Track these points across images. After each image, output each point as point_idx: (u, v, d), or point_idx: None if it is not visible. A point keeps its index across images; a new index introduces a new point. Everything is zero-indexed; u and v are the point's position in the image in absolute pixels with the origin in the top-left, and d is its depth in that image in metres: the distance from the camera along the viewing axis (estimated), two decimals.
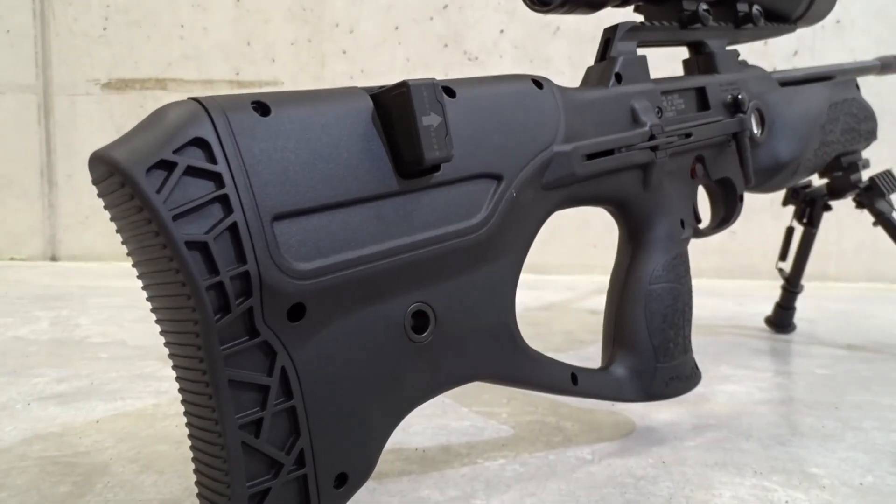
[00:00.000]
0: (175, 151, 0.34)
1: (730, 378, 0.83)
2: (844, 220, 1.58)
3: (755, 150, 0.73)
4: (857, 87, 0.94)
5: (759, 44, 1.56)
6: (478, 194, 0.46)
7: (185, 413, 0.38)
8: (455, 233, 0.44)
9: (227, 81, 1.68)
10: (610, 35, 0.61)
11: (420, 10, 1.64)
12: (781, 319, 1.06)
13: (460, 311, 0.45)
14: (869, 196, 0.90)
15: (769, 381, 0.82)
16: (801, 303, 1.27)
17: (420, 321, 0.44)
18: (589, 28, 1.55)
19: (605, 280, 1.47)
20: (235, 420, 0.35)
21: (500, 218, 0.47)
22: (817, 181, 0.99)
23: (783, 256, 1.03)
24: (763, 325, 1.09)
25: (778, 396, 0.77)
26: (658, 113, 0.62)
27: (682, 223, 0.64)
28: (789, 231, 1.01)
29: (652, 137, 0.59)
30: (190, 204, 0.34)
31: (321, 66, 1.67)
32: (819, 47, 1.57)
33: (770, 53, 1.56)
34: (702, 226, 0.72)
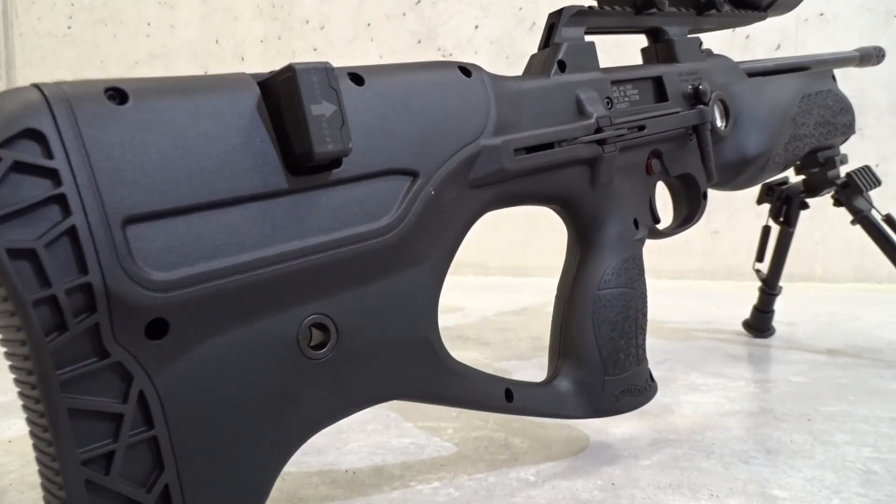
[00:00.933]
0: (1, 145, 0.29)
1: (699, 387, 0.79)
2: (831, 217, 1.52)
3: (719, 145, 0.69)
4: (834, 78, 0.89)
5: (740, 37, 1.52)
6: (388, 193, 0.41)
7: (33, 447, 0.33)
8: (359, 236, 0.39)
9: None
10: (554, 20, 0.57)
11: (393, 5, 1.59)
12: (759, 323, 1.02)
13: (368, 324, 0.40)
14: (846, 193, 0.85)
15: (740, 391, 0.77)
16: (783, 305, 1.22)
17: (319, 335, 0.39)
18: None
19: None
20: (77, 455, 0.31)
21: (415, 219, 0.42)
22: (794, 178, 0.94)
23: (760, 257, 0.98)
24: (741, 329, 1.04)
25: (748, 407, 0.72)
26: (608, 104, 0.57)
27: (636, 223, 0.59)
28: (765, 231, 0.96)
29: (599, 130, 0.54)
30: (17, 205, 0.29)
31: None
32: (802, 40, 1.52)
33: (751, 48, 1.51)
34: (661, 225, 0.67)
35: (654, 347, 0.94)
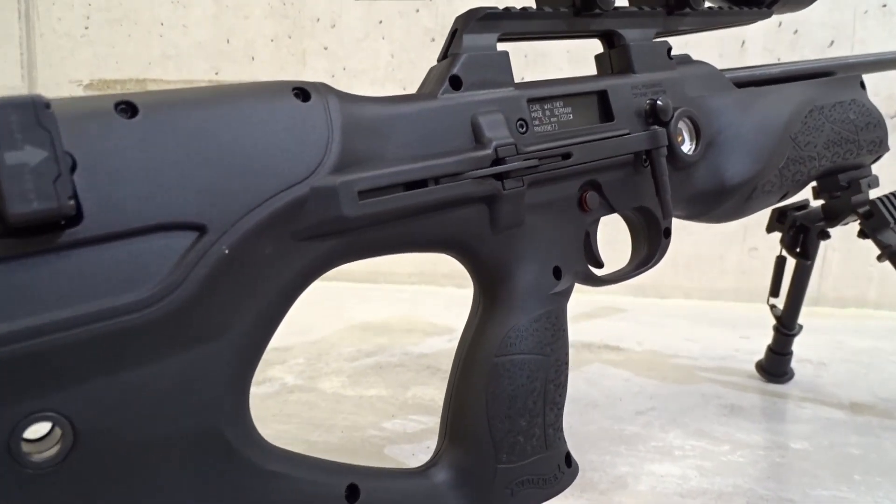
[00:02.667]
0: None
1: (672, 452, 0.67)
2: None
3: (688, 171, 0.57)
4: (863, 85, 0.75)
5: (787, 33, 1.35)
6: (156, 254, 0.33)
7: None
8: (105, 312, 0.31)
9: (207, 81, 1.60)
10: (458, 25, 0.47)
11: (406, 2, 1.50)
12: (774, 367, 0.88)
13: (121, 423, 0.32)
14: (870, 225, 0.71)
15: (720, 460, 0.65)
16: (819, 338, 1.08)
17: (49, 440, 0.31)
18: None
19: (605, 300, 1.28)
20: None
21: (197, 285, 0.33)
22: (815, 201, 0.80)
23: (774, 292, 0.85)
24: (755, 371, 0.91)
25: (720, 485, 0.60)
26: (521, 128, 0.47)
27: (557, 272, 0.49)
28: (779, 262, 0.83)
29: (498, 162, 0.44)
30: None
31: (302, 63, 1.56)
32: (861, 37, 1.34)
33: (799, 45, 1.34)
34: (609, 269, 0.56)
35: (643, 391, 0.83)
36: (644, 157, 0.53)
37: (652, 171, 0.53)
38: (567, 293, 0.49)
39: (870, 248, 1.36)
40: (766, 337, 1.10)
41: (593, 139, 0.49)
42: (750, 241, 1.45)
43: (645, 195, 0.54)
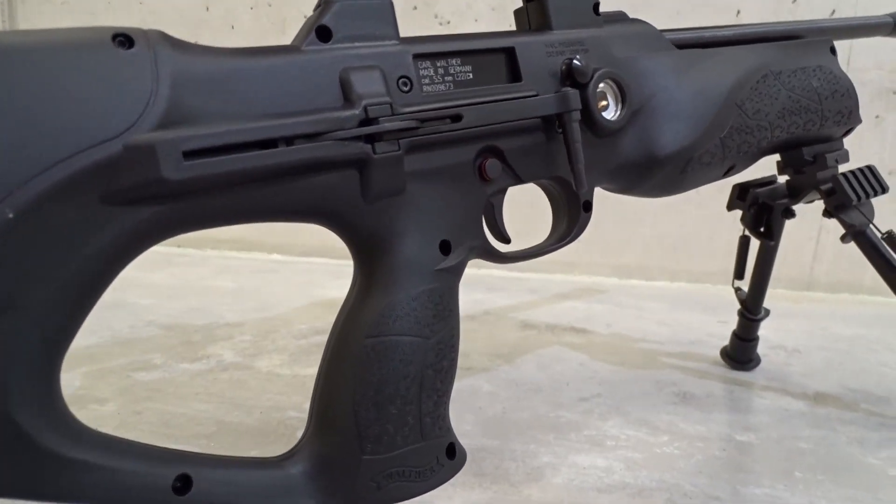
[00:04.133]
0: None
1: (604, 443, 0.63)
2: (888, 218, 1.28)
3: (615, 139, 0.52)
4: (833, 51, 0.68)
5: (786, 3, 1.27)
6: None
7: None
8: None
9: None
10: None
11: None
12: (739, 353, 0.83)
13: None
14: (832, 202, 0.66)
15: (653, 452, 0.61)
16: (799, 325, 1.02)
17: None
18: None
19: (586, 281, 1.23)
20: None
21: None
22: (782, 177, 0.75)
23: (739, 274, 0.79)
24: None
25: (644, 480, 0.56)
26: (404, 86, 0.42)
27: (445, 246, 0.45)
28: (743, 242, 0.77)
29: (368, 122, 0.40)
30: None
31: (282, 32, 1.52)
32: (864, 5, 1.26)
33: (799, 14, 1.26)
34: (520, 244, 0.52)
35: (595, 377, 0.78)
36: (557, 122, 0.48)
37: (564, 138, 0.48)
38: (457, 269, 0.45)
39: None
40: None
41: (488, 100, 0.45)
42: (736, 223, 1.38)
43: (560, 164, 0.50)
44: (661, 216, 1.36)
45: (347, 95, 0.40)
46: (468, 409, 0.69)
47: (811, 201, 0.69)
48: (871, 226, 0.66)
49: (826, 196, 0.65)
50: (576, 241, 1.55)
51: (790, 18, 1.27)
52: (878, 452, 0.62)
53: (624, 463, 0.59)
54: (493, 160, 0.46)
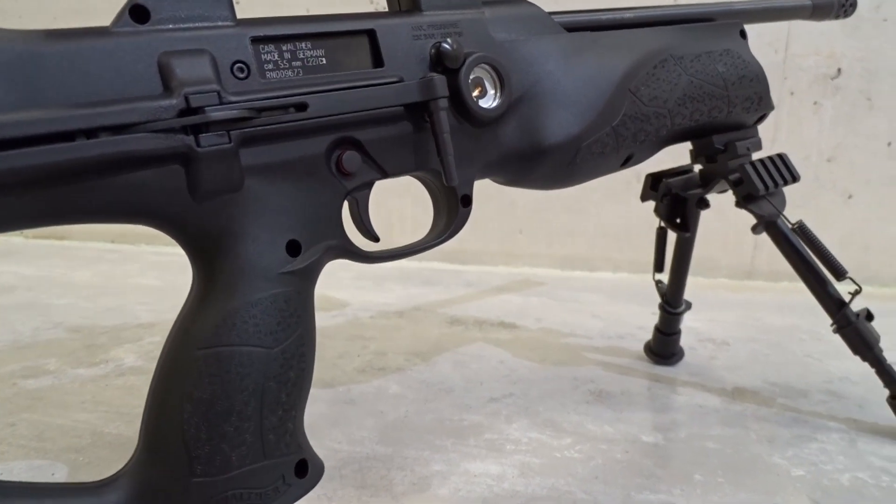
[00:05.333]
0: None
1: (503, 447, 0.60)
2: (829, 208, 1.27)
3: (495, 128, 0.49)
4: (743, 35, 0.66)
5: None
6: None
7: None
8: None
9: None
10: None
11: None
12: (661, 347, 0.81)
13: None
14: (740, 192, 0.63)
15: (552, 456, 0.58)
16: (733, 316, 1.01)
17: None
18: None
19: (527, 273, 1.20)
20: None
21: None
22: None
23: (658, 266, 0.77)
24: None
25: (534, 488, 0.54)
26: (241, 72, 0.39)
27: (294, 247, 0.41)
28: (660, 233, 0.75)
29: (189, 111, 0.36)
30: None
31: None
32: None
33: None
34: (388, 243, 0.49)
35: (511, 375, 0.76)
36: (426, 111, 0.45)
37: (431, 128, 0.44)
38: (309, 272, 0.42)
39: (809, 217, 1.28)
40: (694, 313, 1.04)
41: (337, 88, 0.41)
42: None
43: (432, 156, 0.46)
44: (605, 206, 1.34)
45: (167, 83, 0.36)
46: (369, 414, 0.66)
47: (723, 191, 0.67)
48: (781, 216, 0.63)
49: (734, 186, 0.63)
50: (519, 233, 1.53)
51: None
52: (785, 451, 0.60)
53: (518, 469, 0.56)
54: (352, 152, 0.43)
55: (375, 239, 0.47)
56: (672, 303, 0.78)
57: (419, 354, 0.83)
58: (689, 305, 0.80)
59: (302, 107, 0.40)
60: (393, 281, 1.23)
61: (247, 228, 0.39)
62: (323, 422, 0.64)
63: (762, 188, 0.61)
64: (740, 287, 1.25)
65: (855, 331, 0.62)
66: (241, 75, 0.39)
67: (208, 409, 0.37)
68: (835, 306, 0.63)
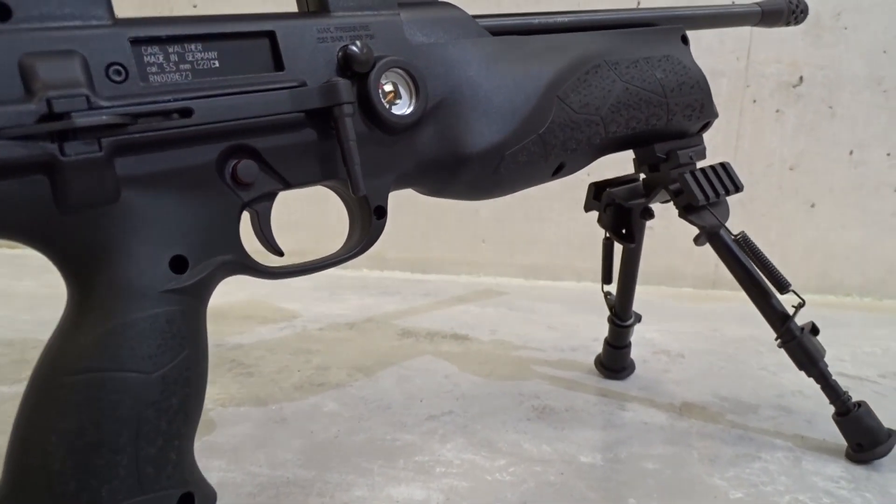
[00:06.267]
0: None
1: (433, 470, 0.57)
2: (792, 216, 1.26)
3: (410, 135, 0.46)
4: (685, 41, 0.64)
5: None
6: None
7: None
8: None
9: None
10: None
11: None
12: (611, 361, 0.79)
13: None
14: (680, 202, 0.61)
15: (483, 479, 0.56)
16: (691, 327, 0.99)
17: None
18: None
19: (488, 283, 1.18)
20: None
21: None
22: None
23: (606, 278, 0.75)
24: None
25: None
26: (117, 75, 0.36)
27: (180, 263, 0.38)
28: (606, 244, 0.73)
29: (51, 118, 0.33)
30: None
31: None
32: None
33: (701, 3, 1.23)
34: (297, 256, 0.46)
35: (454, 390, 0.73)
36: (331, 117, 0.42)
37: (336, 135, 0.42)
38: (197, 290, 0.39)
39: (770, 225, 1.27)
40: (643, 324, 1.02)
41: (227, 93, 0.38)
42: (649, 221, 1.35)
43: (342, 165, 0.44)
44: (568, 214, 1.32)
45: (29, 86, 0.33)
46: (298, 434, 0.63)
47: (665, 201, 0.65)
48: (724, 227, 0.61)
49: (674, 196, 0.61)
50: (482, 242, 1.50)
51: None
52: (726, 471, 0.58)
53: (445, 494, 0.53)
54: (248, 161, 0.40)
55: (279, 253, 0.44)
56: (621, 315, 0.76)
57: (363, 369, 0.80)
58: (638, 318, 0.78)
59: (186, 112, 0.37)
60: (350, 290, 1.20)
61: (124, 243, 0.36)
62: (248, 443, 0.61)
63: (702, 198, 0.59)
64: (704, 297, 1.23)
65: (799, 345, 0.60)
66: (118, 79, 0.36)
67: (75, 441, 0.34)
68: (779, 320, 0.61)
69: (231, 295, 1.13)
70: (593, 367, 0.81)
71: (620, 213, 0.68)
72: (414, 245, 1.40)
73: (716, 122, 1.26)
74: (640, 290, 1.27)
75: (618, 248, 0.73)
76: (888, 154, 1.18)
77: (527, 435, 0.64)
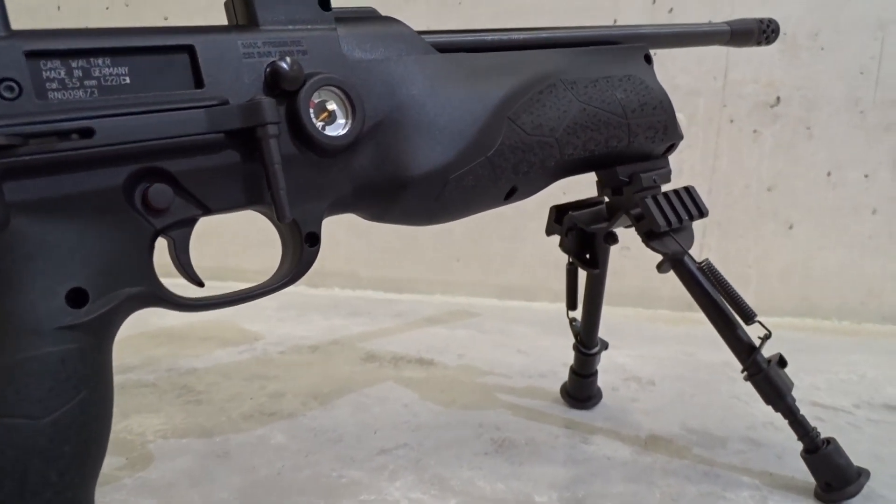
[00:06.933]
0: None
1: None
2: (771, 238, 1.24)
3: (346, 157, 0.43)
4: (648, 60, 0.62)
5: (661, 13, 1.22)
6: None
7: None
8: None
9: None
10: None
11: None
12: (577, 390, 0.76)
13: None
14: (641, 228, 0.58)
15: None
16: (665, 351, 0.96)
17: None
18: None
19: (462, 303, 1.15)
20: None
21: None
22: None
23: (571, 304, 0.72)
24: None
25: None
26: (10, 91, 0.33)
27: (79, 296, 0.35)
28: (570, 270, 0.70)
29: None
30: None
31: None
32: (741, 14, 1.22)
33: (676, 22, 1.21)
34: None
35: (412, 421, 0.70)
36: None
37: (259, 158, 0.39)
38: (100, 326, 0.36)
39: (748, 247, 1.25)
40: (615, 349, 0.99)
41: (134, 112, 0.35)
42: (622, 240, 1.33)
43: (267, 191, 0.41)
44: (544, 233, 1.29)
45: None
46: (239, 470, 0.60)
47: (628, 226, 0.62)
48: (687, 255, 0.59)
49: (635, 221, 0.58)
50: (456, 261, 1.47)
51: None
52: None
53: None
54: (161, 186, 0.37)
55: (198, 284, 0.41)
56: (586, 343, 0.73)
57: (319, 396, 0.77)
58: (605, 345, 0.75)
59: (86, 133, 0.34)
60: (318, 311, 1.17)
61: (14, 275, 0.33)
62: (184, 480, 0.58)
63: (664, 224, 0.57)
64: (680, 319, 1.21)
65: (766, 379, 0.58)
66: (10, 95, 0.33)
67: None
68: (744, 352, 0.58)
69: (194, 315, 1.09)
70: (559, 395, 0.78)
71: (583, 238, 0.65)
72: (387, 264, 1.37)
73: (694, 142, 1.24)
74: (614, 312, 1.25)
75: (583, 273, 0.71)
76: (866, 176, 1.16)
77: (482, 471, 0.61)
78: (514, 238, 1.30)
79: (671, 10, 1.22)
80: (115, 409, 0.72)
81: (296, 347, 0.96)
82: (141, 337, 0.98)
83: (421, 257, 1.36)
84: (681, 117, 1.26)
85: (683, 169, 1.23)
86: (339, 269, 1.37)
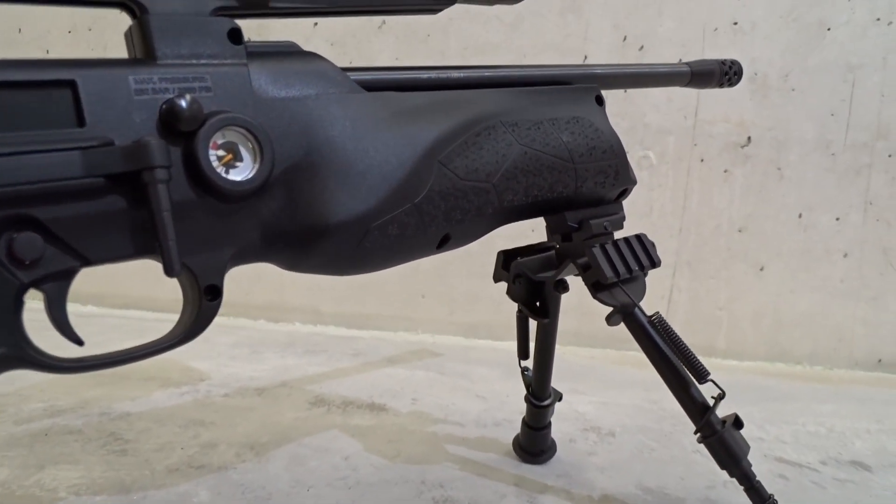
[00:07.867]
0: None
1: None
2: (741, 279, 1.21)
3: (249, 204, 0.40)
4: (600, 101, 0.59)
5: (632, 50, 1.20)
6: None
7: None
8: None
9: None
10: None
11: None
12: (529, 443, 0.71)
13: None
14: (588, 279, 0.55)
15: None
16: (630, 398, 0.92)
17: None
18: (421, 24, 1.22)
19: (426, 341, 1.11)
20: None
21: None
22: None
23: (523, 353, 0.68)
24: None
25: None
26: None
27: None
28: (520, 318, 0.66)
29: None
30: None
31: None
32: (711, 54, 1.20)
33: (646, 62, 1.20)
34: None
35: (348, 479, 0.66)
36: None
37: (147, 205, 0.35)
38: None
39: (720, 289, 1.22)
40: (578, 394, 0.95)
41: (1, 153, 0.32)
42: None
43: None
44: None
45: None
46: None
47: (577, 274, 0.59)
48: (637, 307, 0.55)
49: (582, 271, 0.55)
50: (421, 297, 1.43)
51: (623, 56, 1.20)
52: None
53: None
54: (29, 235, 0.33)
55: (79, 342, 0.37)
56: (538, 394, 0.69)
57: (255, 447, 0.72)
58: (559, 396, 0.71)
59: None
60: (274, 348, 1.12)
61: None
62: None
63: (612, 274, 0.53)
64: (648, 362, 1.17)
65: (720, 442, 0.54)
66: None
67: None
68: (697, 412, 0.55)
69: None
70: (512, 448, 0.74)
71: (532, 286, 0.62)
72: (350, 299, 1.33)
73: (664, 181, 1.21)
74: (581, 354, 1.21)
75: (533, 322, 0.67)
76: (837, 219, 1.14)
77: None
78: (482, 274, 1.26)
79: (642, 47, 1.20)
80: (30, 461, 0.67)
81: (241, 390, 0.91)
82: (79, 376, 0.93)
83: (385, 293, 1.32)
84: (651, 155, 1.24)
85: (654, 207, 1.20)
86: (300, 304, 1.33)
